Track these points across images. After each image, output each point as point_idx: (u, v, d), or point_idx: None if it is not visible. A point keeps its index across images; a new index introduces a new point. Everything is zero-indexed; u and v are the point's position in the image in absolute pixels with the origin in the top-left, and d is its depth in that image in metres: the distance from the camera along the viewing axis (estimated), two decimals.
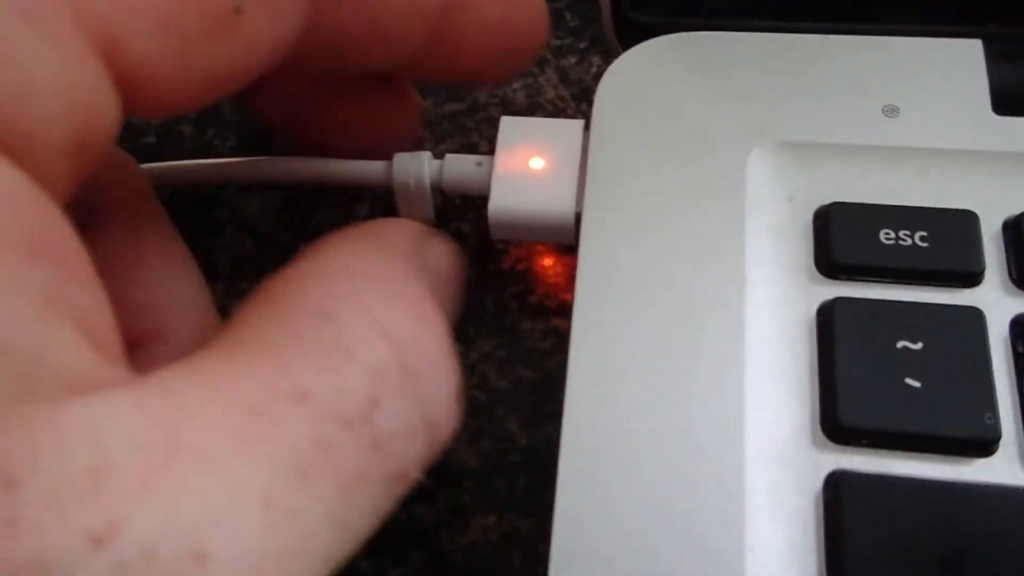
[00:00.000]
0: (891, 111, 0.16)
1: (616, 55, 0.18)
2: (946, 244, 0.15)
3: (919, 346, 0.14)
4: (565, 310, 0.19)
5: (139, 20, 0.11)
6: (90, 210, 0.16)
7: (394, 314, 0.12)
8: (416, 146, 0.18)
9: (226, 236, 0.20)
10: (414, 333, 0.12)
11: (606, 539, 0.13)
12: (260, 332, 0.11)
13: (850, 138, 0.16)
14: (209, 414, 0.10)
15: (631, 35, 0.18)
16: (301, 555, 0.10)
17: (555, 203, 0.16)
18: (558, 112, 0.21)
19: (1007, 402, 0.14)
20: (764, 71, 0.17)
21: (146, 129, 0.22)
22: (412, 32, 0.16)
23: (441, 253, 0.15)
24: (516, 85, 0.22)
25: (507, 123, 0.17)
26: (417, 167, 0.17)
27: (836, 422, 0.14)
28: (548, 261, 0.19)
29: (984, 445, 0.13)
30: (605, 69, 0.17)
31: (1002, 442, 0.13)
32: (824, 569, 0.13)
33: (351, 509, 0.11)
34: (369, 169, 0.18)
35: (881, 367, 0.14)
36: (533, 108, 0.22)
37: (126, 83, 0.11)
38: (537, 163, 0.17)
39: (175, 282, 0.16)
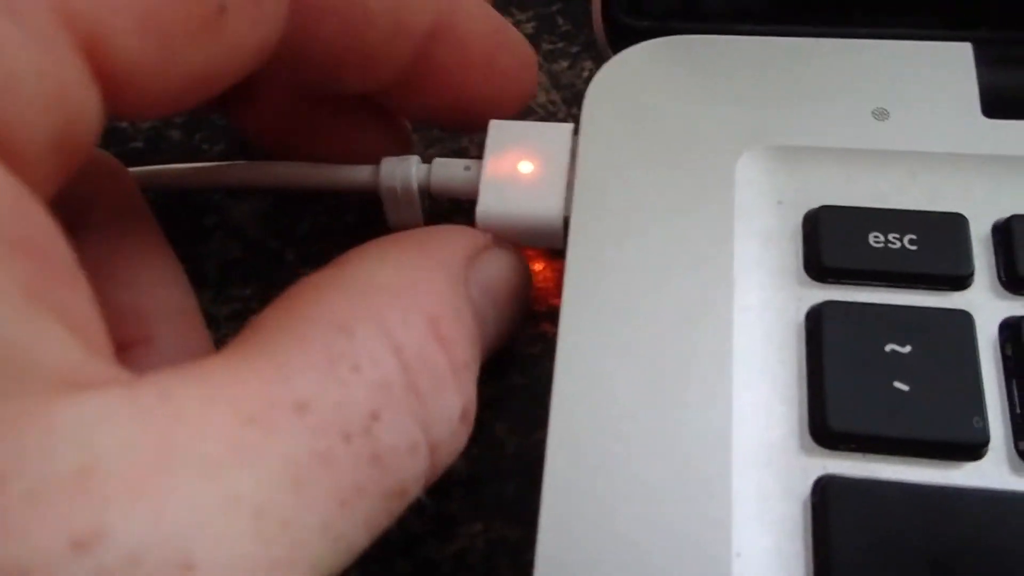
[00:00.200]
0: (880, 114, 0.16)
1: (607, 59, 0.18)
2: (935, 247, 0.15)
3: (908, 349, 0.14)
4: (554, 315, 0.19)
5: (121, 18, 0.11)
6: (76, 213, 0.15)
7: (409, 331, 0.12)
8: (404, 150, 0.18)
9: (214, 241, 0.20)
10: (426, 352, 0.12)
11: (592, 545, 0.13)
12: (270, 340, 0.11)
13: (839, 141, 0.16)
14: (205, 420, 0.10)
15: (622, 39, 0.18)
16: (293, 566, 0.10)
17: (544, 207, 0.16)
18: (549, 116, 0.21)
19: (996, 406, 0.14)
20: (754, 74, 0.17)
21: (134, 134, 0.22)
22: (395, 53, 0.16)
23: (496, 267, 0.15)
24: None
25: (496, 127, 0.17)
26: (405, 171, 0.17)
27: (824, 426, 0.14)
28: (537, 266, 0.19)
29: (972, 449, 0.13)
30: (595, 74, 0.17)
31: (991, 446, 0.13)
32: (812, 574, 0.13)
33: (347, 522, 0.11)
34: (357, 173, 0.18)
35: (870, 371, 0.14)
36: (524, 112, 0.21)
37: (108, 81, 0.11)
38: (526, 167, 0.17)
39: (161, 287, 0.16)
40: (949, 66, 0.17)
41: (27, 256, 0.10)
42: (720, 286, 0.15)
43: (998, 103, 0.16)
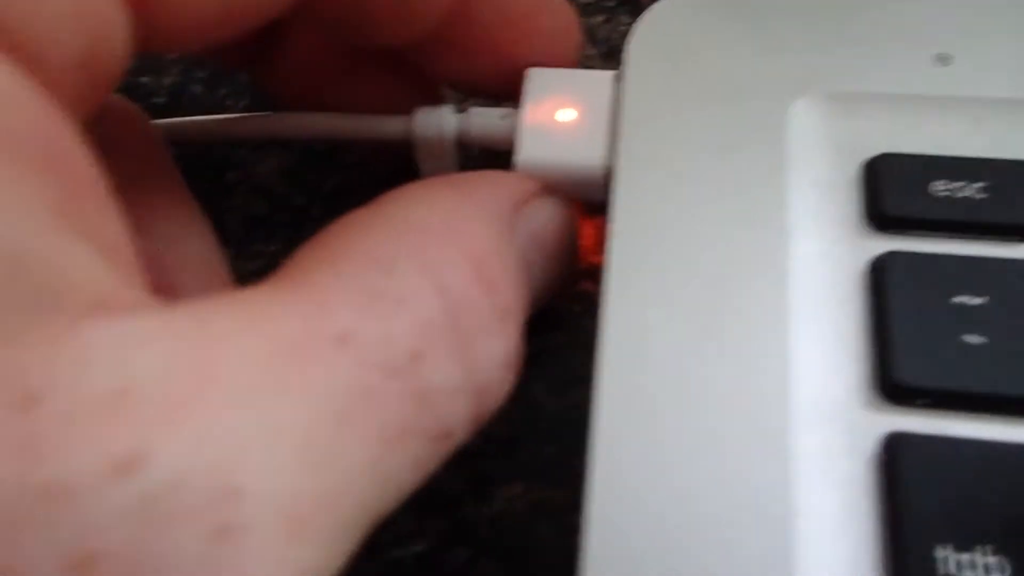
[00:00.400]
0: (944, 59, 0.16)
1: (647, 8, 0.17)
2: (1004, 196, 0.14)
3: (980, 302, 0.13)
4: (594, 273, 0.18)
5: None
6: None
7: (455, 272, 0.12)
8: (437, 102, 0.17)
9: (238, 197, 0.19)
10: (471, 294, 0.12)
11: (645, 504, 0.12)
12: (309, 274, 0.11)
13: (899, 87, 0.15)
14: (244, 347, 0.09)
15: None
16: (339, 501, 0.09)
17: (585, 156, 0.16)
18: None
19: None
20: (807, 19, 0.16)
21: (156, 89, 0.21)
22: (430, 3, 0.15)
23: (545, 215, 0.15)
24: None
25: (534, 74, 0.16)
26: (439, 121, 0.17)
27: (893, 381, 0.13)
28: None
29: None
30: (633, 28, 0.17)
31: None
32: (881, 534, 0.12)
33: (393, 462, 0.10)
34: (389, 124, 0.17)
35: (940, 324, 0.13)
36: None
37: (139, 3, 0.11)
38: (566, 115, 0.16)
39: (185, 237, 0.16)
40: (1015, 10, 0.16)
41: (58, 174, 0.09)
42: (775, 236, 0.14)
43: None
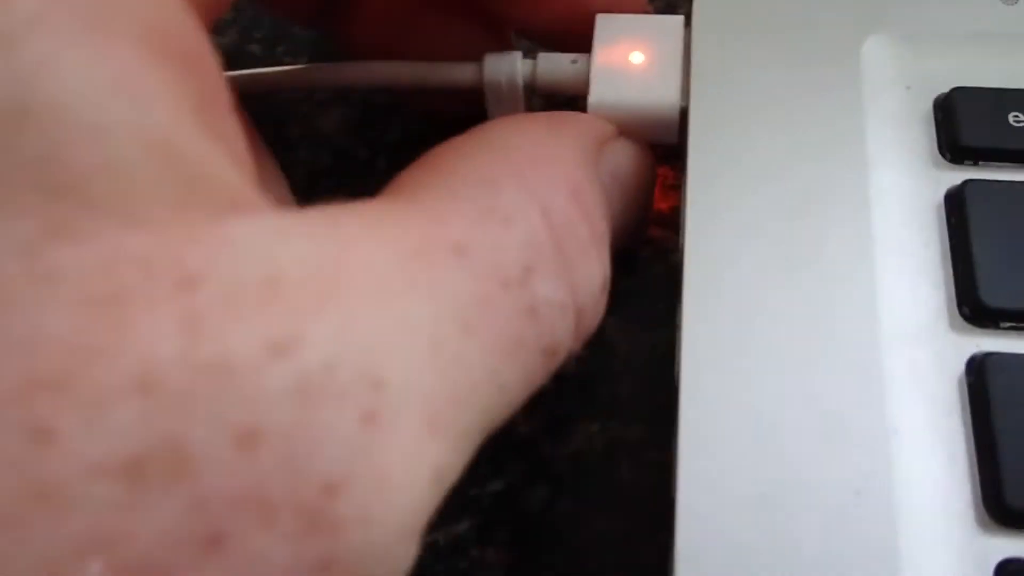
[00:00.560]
0: None
1: None
2: None
3: None
4: (662, 220, 0.18)
5: None
6: None
7: (555, 197, 0.12)
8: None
9: (302, 151, 0.19)
10: (570, 218, 0.12)
11: (736, 427, 0.13)
12: (419, 192, 0.11)
13: (968, 26, 0.16)
14: (375, 248, 0.09)
15: None
16: (466, 404, 0.10)
17: (659, 97, 0.16)
18: None
19: None
20: None
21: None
22: None
23: (624, 156, 0.15)
24: None
25: (603, 20, 0.17)
26: (510, 66, 0.17)
27: (977, 303, 0.13)
28: None
29: None
30: None
31: None
32: (973, 450, 0.12)
33: (510, 371, 0.10)
34: (459, 71, 0.17)
35: (1019, 248, 0.13)
36: None
37: None
38: (637, 58, 0.16)
39: (266, 178, 0.16)
40: None
41: (197, 78, 0.09)
42: (852, 170, 0.14)
43: None
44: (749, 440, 0.12)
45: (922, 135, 0.15)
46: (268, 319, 0.08)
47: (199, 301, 0.08)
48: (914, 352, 0.13)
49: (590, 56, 0.16)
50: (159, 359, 0.07)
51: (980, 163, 0.15)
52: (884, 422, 0.12)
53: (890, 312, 0.13)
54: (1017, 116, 0.15)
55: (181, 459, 0.07)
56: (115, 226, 0.08)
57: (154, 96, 0.08)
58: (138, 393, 0.07)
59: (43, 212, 0.07)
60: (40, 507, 0.07)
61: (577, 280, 0.12)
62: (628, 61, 0.16)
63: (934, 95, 0.15)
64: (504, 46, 0.18)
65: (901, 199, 0.14)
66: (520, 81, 0.17)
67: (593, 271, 0.12)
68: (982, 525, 0.12)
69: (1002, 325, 0.13)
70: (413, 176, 0.12)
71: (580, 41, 0.17)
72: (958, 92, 0.15)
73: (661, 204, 0.18)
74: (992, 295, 0.13)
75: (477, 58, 0.17)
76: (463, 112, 0.17)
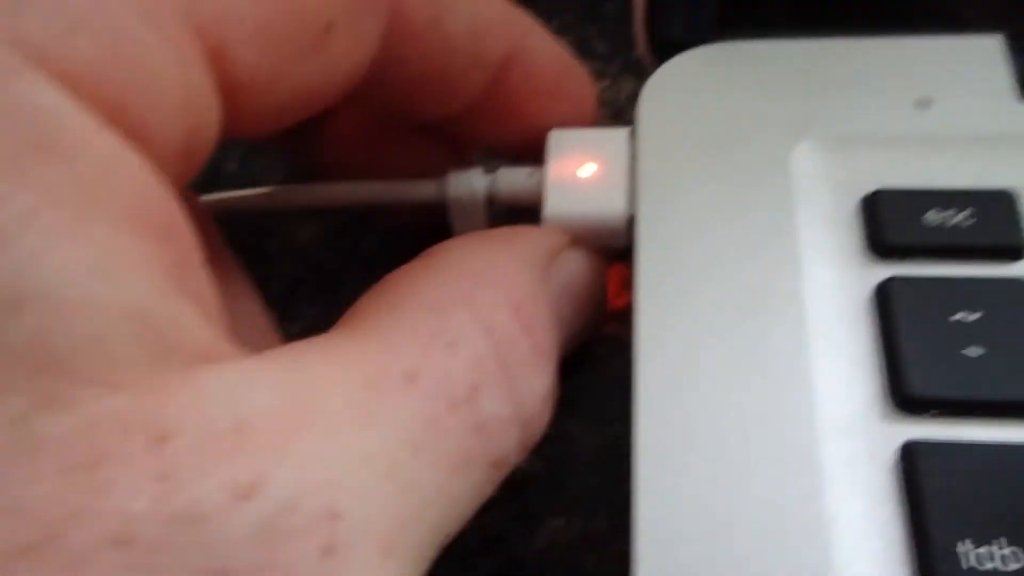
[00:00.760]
0: (924, 103, 0.17)
1: (649, 73, 0.19)
2: (989, 222, 0.16)
3: (975, 317, 0.15)
4: (617, 317, 0.19)
5: (244, 29, 0.12)
6: None
7: (497, 315, 0.13)
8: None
9: (278, 264, 0.21)
10: (513, 334, 0.13)
11: (689, 522, 0.13)
12: (372, 320, 0.12)
13: (888, 130, 0.17)
14: (331, 385, 0.10)
15: (664, 51, 0.19)
16: (418, 523, 0.10)
17: (609, 206, 0.17)
18: None
19: None
20: (801, 73, 0.18)
21: None
22: (472, 81, 0.16)
23: (575, 266, 0.16)
24: None
25: (555, 135, 0.18)
26: (471, 181, 0.18)
27: (904, 393, 0.14)
28: None
29: None
30: (637, 91, 0.18)
31: None
32: (907, 534, 0.13)
33: (459, 487, 0.11)
34: (422, 188, 0.18)
35: (942, 339, 0.14)
36: None
37: (227, 92, 0.12)
38: (588, 170, 0.17)
39: (241, 301, 0.17)
40: (982, 57, 0.18)
41: (169, 241, 0.10)
42: (787, 268, 0.15)
43: None
44: (699, 533, 0.13)
45: (851, 234, 0.16)
46: (234, 465, 0.09)
47: (171, 454, 0.09)
48: (849, 442, 0.14)
49: (544, 169, 0.18)
50: (134, 514, 0.08)
51: (904, 259, 0.16)
52: (821, 512, 0.13)
53: (825, 404, 0.14)
54: (934, 214, 0.16)
55: None
56: (95, 392, 0.09)
57: (132, 270, 0.09)
58: (115, 549, 0.08)
59: (33, 387, 0.08)
60: None
61: (521, 394, 0.13)
62: (579, 173, 0.17)
63: (861, 194, 0.17)
64: (466, 159, 0.20)
65: (834, 295, 0.15)
66: (481, 196, 0.18)
67: (536, 383, 0.13)
68: None
69: (931, 413, 0.14)
70: (368, 305, 0.13)
71: (539, 152, 0.18)
72: (880, 193, 0.16)
73: (618, 301, 0.19)
74: (918, 385, 0.14)
75: (441, 173, 0.19)
76: (430, 224, 0.19)
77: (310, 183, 0.20)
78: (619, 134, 0.18)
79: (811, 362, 0.15)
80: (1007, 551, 0.13)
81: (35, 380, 0.08)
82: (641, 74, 0.19)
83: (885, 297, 0.15)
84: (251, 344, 0.16)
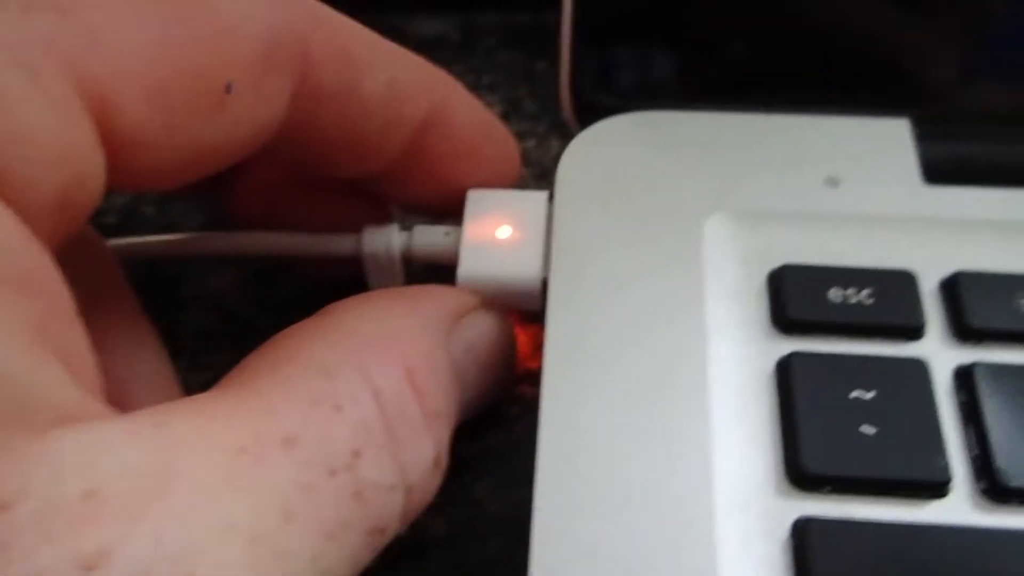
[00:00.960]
0: (833, 182, 0.18)
1: (573, 137, 0.19)
2: (889, 301, 0.16)
3: (871, 396, 0.15)
4: (530, 378, 0.19)
5: (133, 87, 0.12)
6: None
7: (388, 378, 0.13)
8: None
9: (191, 311, 0.20)
10: (403, 398, 0.13)
11: None
12: (255, 380, 0.12)
13: (797, 206, 0.17)
14: (198, 448, 0.10)
15: (588, 116, 0.20)
16: None
17: (523, 269, 0.17)
18: None
19: (956, 447, 0.15)
20: (716, 146, 0.18)
21: (107, 209, 0.22)
22: (389, 142, 0.16)
23: (481, 328, 0.16)
24: None
25: (474, 195, 0.18)
26: (387, 238, 0.18)
27: (799, 470, 0.14)
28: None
29: (937, 487, 0.14)
30: (563, 151, 0.18)
31: (954, 484, 0.14)
32: None
33: (334, 556, 0.11)
34: (339, 242, 0.18)
35: (838, 416, 0.15)
36: None
37: (114, 147, 0.12)
38: (504, 232, 0.17)
39: (137, 352, 0.16)
40: (891, 138, 0.19)
41: (34, 297, 0.10)
42: (693, 340, 0.16)
43: (936, 171, 0.18)
44: None
45: (757, 308, 0.16)
46: (80, 535, 0.09)
47: (11, 523, 0.08)
48: (745, 518, 0.14)
49: (461, 230, 0.18)
50: None
51: (807, 335, 0.16)
52: None
53: (724, 479, 0.14)
54: (836, 291, 0.16)
55: None
56: None
57: None
58: None
59: None
60: None
61: (407, 460, 0.13)
62: (495, 235, 0.18)
63: (768, 269, 0.17)
64: (385, 214, 0.20)
65: (738, 369, 0.16)
66: (397, 253, 0.18)
67: (424, 449, 0.13)
68: None
69: (824, 489, 0.14)
70: (252, 364, 0.13)
71: (458, 210, 0.18)
72: (786, 269, 0.17)
73: (532, 363, 0.19)
74: (812, 462, 0.14)
75: (358, 227, 0.18)
76: (347, 277, 0.19)
77: (227, 231, 0.19)
78: (537, 197, 0.18)
79: (712, 436, 0.15)
80: None
81: None
82: (569, 135, 0.20)
83: (785, 373, 0.15)
84: (146, 398, 0.16)
